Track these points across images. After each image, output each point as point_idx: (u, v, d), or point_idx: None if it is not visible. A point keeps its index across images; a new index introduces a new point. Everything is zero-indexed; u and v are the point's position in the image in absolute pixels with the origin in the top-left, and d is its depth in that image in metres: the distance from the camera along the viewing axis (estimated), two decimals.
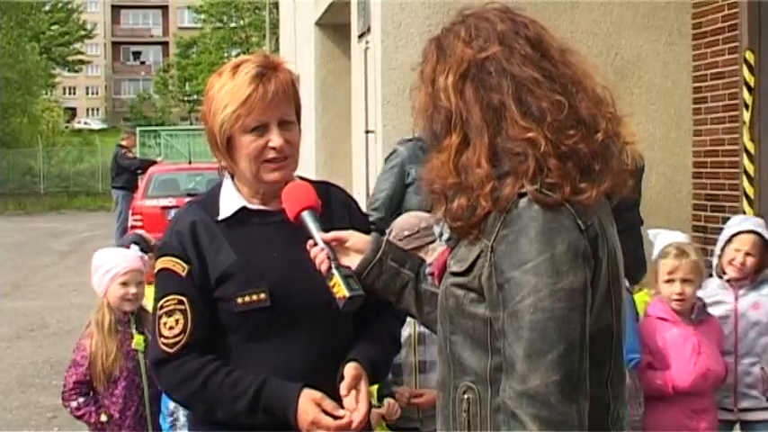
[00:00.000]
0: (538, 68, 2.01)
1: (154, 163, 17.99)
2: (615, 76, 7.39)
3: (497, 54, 2.01)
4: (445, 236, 2.13)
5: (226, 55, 54.76)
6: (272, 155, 2.52)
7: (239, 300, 2.48)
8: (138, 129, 35.57)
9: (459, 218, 2.00)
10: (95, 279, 4.49)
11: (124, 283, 4.42)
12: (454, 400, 2.06)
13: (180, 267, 2.52)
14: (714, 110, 7.47)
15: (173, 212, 15.40)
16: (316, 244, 2.42)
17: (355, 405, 2.43)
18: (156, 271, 2.61)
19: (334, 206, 2.65)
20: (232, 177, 2.65)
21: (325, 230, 2.44)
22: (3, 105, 38.62)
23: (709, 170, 7.57)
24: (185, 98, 59.96)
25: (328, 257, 2.39)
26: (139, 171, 17.22)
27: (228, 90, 2.50)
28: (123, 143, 17.65)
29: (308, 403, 2.40)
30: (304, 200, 2.49)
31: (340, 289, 2.33)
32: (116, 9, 78.30)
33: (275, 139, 2.52)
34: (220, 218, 2.58)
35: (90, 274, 4.52)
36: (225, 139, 2.53)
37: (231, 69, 2.55)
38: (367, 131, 8.49)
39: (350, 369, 2.48)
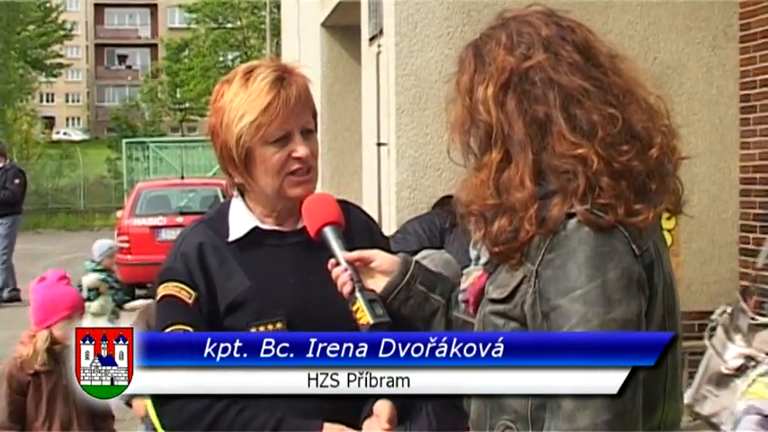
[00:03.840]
0: (587, 78, 2.03)
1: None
2: (653, 82, 7.40)
3: (543, 62, 2.03)
4: (482, 259, 2.14)
5: (221, 59, 54.83)
6: (296, 166, 2.54)
7: (253, 330, 2.49)
8: (124, 140, 35.75)
9: (500, 242, 2.02)
10: None
11: None
12: None
13: (186, 294, 2.53)
14: (764, 120, 7.47)
15: (163, 233, 15.51)
16: (338, 264, 2.43)
17: None
18: (158, 298, 2.61)
19: (354, 227, 2.65)
20: (242, 195, 2.66)
21: (348, 250, 2.45)
22: None
23: (758, 187, 7.56)
24: (176, 106, 60.04)
25: (351, 279, 2.40)
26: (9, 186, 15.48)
27: (244, 98, 2.51)
28: None
29: None
30: (327, 214, 2.50)
31: (363, 315, 2.34)
32: (99, 7, 78.57)
33: (300, 149, 2.53)
34: (231, 239, 2.58)
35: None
36: (243, 153, 2.53)
37: (242, 76, 2.56)
38: (379, 144, 8.50)
39: (384, 406, 2.45)
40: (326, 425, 2.43)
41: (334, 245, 2.46)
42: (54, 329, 4.63)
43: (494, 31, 2.13)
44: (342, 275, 2.41)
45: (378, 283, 2.41)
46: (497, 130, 2.03)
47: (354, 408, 2.48)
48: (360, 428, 2.45)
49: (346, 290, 2.39)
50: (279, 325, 2.50)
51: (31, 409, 4.54)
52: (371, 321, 2.32)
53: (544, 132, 2.00)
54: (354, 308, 2.36)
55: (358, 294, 2.37)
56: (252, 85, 2.52)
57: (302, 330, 2.46)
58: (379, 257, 2.44)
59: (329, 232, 2.48)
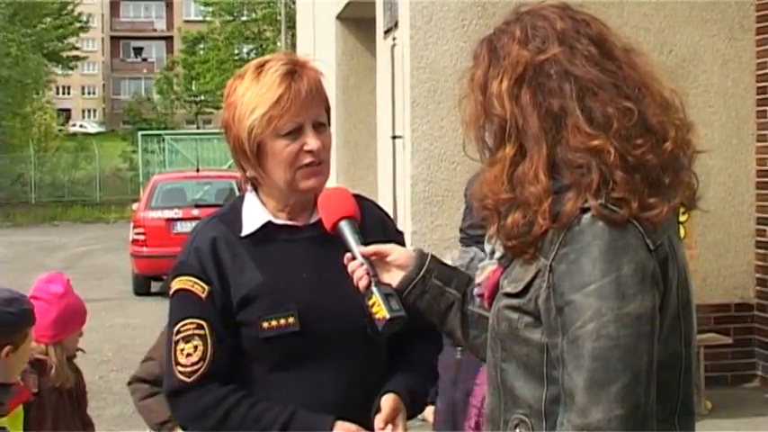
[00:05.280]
0: (602, 70, 2.02)
1: None
2: (668, 76, 7.37)
3: (558, 55, 2.02)
4: (497, 254, 2.13)
5: (236, 51, 54.88)
6: (308, 159, 2.54)
7: (265, 324, 2.50)
8: (139, 133, 35.86)
9: (513, 236, 2.01)
10: None
11: None
12: None
13: (199, 288, 2.54)
14: None
15: (178, 225, 15.56)
16: (354, 258, 2.43)
17: None
18: (171, 292, 2.62)
19: (369, 222, 2.64)
20: (255, 190, 2.66)
21: (364, 245, 2.45)
22: None
23: None
24: (191, 99, 60.16)
25: (368, 273, 2.39)
26: None
27: (256, 92, 2.52)
28: None
29: None
30: (343, 208, 2.50)
31: (379, 309, 2.33)
32: (115, 0, 78.77)
33: (311, 141, 2.54)
34: (243, 234, 2.59)
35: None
36: (255, 146, 2.54)
37: (254, 70, 2.57)
38: (394, 137, 8.51)
39: (388, 400, 2.49)
40: (339, 422, 2.44)
41: (351, 239, 2.45)
42: (66, 342, 4.17)
43: (508, 25, 2.12)
44: (358, 270, 2.40)
45: (393, 278, 2.40)
46: (511, 124, 2.03)
47: (368, 399, 2.49)
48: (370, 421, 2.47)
49: (362, 284, 2.38)
50: (291, 319, 2.50)
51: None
52: (388, 316, 2.31)
53: (559, 126, 1.99)
54: (370, 302, 2.35)
55: (374, 289, 2.36)
56: (263, 79, 2.53)
57: (314, 325, 2.48)
58: (395, 251, 2.43)
59: (345, 226, 2.47)
